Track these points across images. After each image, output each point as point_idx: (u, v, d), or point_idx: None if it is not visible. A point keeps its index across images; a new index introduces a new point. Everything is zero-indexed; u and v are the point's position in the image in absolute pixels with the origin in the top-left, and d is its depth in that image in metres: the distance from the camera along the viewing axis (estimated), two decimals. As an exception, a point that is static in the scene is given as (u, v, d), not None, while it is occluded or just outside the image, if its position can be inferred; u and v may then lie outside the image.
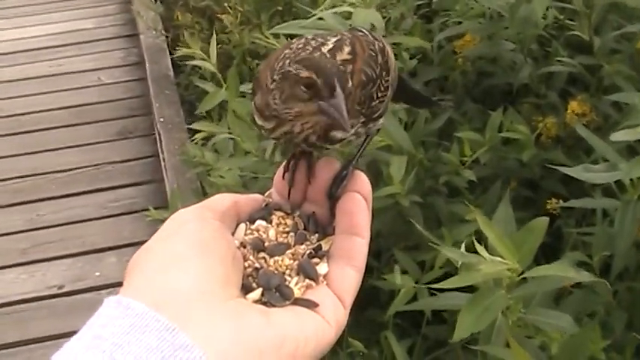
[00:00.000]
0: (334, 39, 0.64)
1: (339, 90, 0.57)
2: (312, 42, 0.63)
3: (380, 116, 0.66)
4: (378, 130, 0.69)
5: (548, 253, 1.60)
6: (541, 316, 1.00)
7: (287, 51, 0.62)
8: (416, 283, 1.43)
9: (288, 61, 0.60)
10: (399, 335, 1.61)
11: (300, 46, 0.62)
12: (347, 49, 0.63)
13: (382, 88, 0.65)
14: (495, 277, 0.90)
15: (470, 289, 1.00)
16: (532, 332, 1.05)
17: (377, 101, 0.64)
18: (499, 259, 0.86)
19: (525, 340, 1.02)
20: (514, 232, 0.97)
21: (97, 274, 2.68)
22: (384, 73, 0.66)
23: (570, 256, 1.30)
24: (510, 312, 0.96)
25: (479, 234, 0.96)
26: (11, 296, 2.61)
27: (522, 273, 0.91)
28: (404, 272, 1.49)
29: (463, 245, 0.92)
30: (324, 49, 0.61)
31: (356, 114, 0.62)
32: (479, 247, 0.87)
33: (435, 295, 1.20)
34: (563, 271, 0.90)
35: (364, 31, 0.71)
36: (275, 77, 0.60)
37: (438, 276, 1.40)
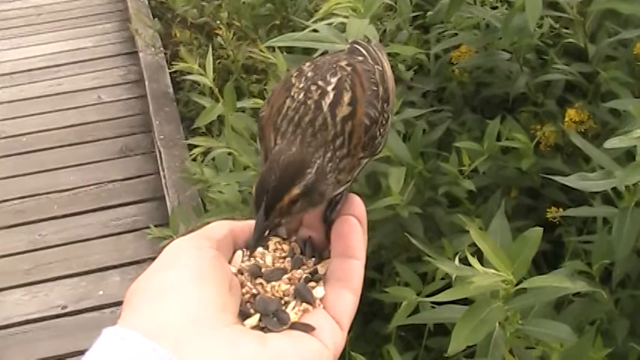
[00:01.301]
0: (334, 81, 0.62)
1: (259, 213, 0.57)
2: (313, 88, 0.62)
3: (381, 151, 0.66)
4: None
5: (550, 261, 1.60)
6: (539, 327, 1.00)
7: (288, 101, 0.61)
8: (418, 294, 1.42)
9: (291, 126, 0.60)
10: (403, 347, 1.60)
11: (301, 97, 0.61)
12: (347, 97, 0.61)
13: (384, 122, 0.65)
14: (489, 289, 0.90)
15: (468, 301, 1.00)
16: (532, 343, 1.04)
17: (379, 138, 0.64)
18: (493, 271, 0.86)
19: (524, 352, 1.01)
20: (510, 242, 0.97)
21: (101, 292, 2.68)
22: (385, 105, 0.65)
23: (570, 265, 1.30)
24: (508, 323, 0.96)
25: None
26: (15, 317, 2.61)
27: (518, 284, 0.91)
28: (405, 284, 1.49)
29: (457, 258, 0.91)
30: (325, 106, 0.60)
31: (359, 162, 0.62)
32: (472, 260, 0.86)
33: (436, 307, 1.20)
34: (559, 282, 0.90)
35: (362, 50, 0.69)
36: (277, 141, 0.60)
37: (440, 287, 1.40)
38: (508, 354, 0.87)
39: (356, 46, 0.71)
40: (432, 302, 1.21)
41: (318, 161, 0.58)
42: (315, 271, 0.59)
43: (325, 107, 0.61)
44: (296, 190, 0.57)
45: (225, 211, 1.66)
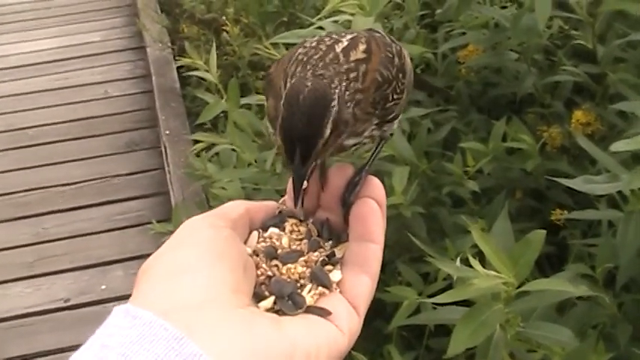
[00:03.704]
0: (350, 36, 0.63)
1: (296, 163, 0.56)
2: (327, 40, 0.62)
3: (394, 118, 0.65)
4: (391, 134, 0.67)
5: (554, 263, 1.58)
6: (541, 330, 0.98)
7: (300, 50, 0.61)
8: (420, 295, 1.41)
9: (300, 65, 0.59)
10: (404, 347, 1.59)
11: (313, 44, 0.61)
12: (362, 47, 0.62)
13: (398, 91, 0.64)
14: (490, 291, 0.89)
15: (470, 302, 0.99)
16: (534, 346, 1.03)
17: (392, 103, 0.63)
18: (494, 273, 0.85)
19: (525, 355, 1.00)
20: (512, 245, 0.95)
21: (103, 287, 2.68)
22: (400, 75, 0.65)
23: (573, 268, 1.29)
24: (509, 326, 0.95)
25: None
26: (17, 309, 2.61)
27: (520, 286, 0.90)
28: (407, 284, 1.48)
29: (458, 259, 0.90)
30: (338, 48, 0.60)
31: (368, 117, 0.61)
32: (473, 261, 0.85)
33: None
34: (560, 286, 0.89)
35: (381, 32, 0.70)
36: (288, 83, 0.59)
37: (441, 288, 1.39)
38: (507, 357, 0.86)
39: (374, 29, 0.72)
40: (434, 303, 1.21)
41: (337, 90, 0.57)
42: (333, 254, 0.58)
43: (338, 49, 0.60)
44: (327, 131, 0.56)
45: (227, 207, 1.64)
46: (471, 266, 0.89)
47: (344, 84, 0.58)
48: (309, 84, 0.56)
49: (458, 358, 1.36)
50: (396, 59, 0.65)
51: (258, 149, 1.57)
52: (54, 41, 4.38)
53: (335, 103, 0.57)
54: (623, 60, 1.73)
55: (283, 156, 0.58)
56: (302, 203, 0.61)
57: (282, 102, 0.57)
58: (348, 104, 0.58)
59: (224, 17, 2.66)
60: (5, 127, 3.64)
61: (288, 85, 0.58)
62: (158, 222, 2.09)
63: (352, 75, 0.59)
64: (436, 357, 1.59)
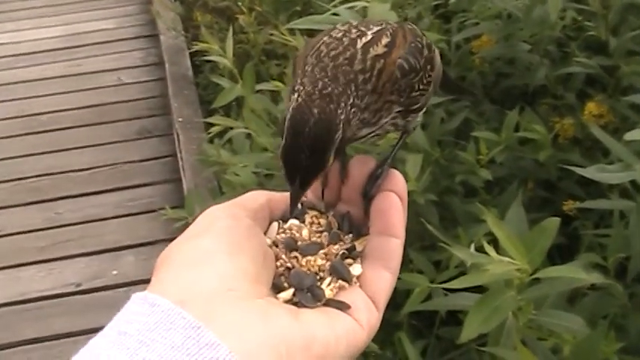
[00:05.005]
0: (376, 28, 0.62)
1: (295, 187, 0.56)
2: (353, 31, 0.61)
3: (419, 109, 0.65)
4: (414, 127, 0.67)
5: (565, 254, 1.59)
6: (552, 318, 0.99)
7: (325, 39, 0.61)
8: (431, 282, 1.42)
9: (316, 59, 0.59)
10: (414, 336, 1.60)
11: (339, 35, 0.61)
12: (385, 40, 0.61)
13: (424, 82, 0.64)
14: (504, 277, 0.89)
15: (482, 289, 1.00)
16: (545, 334, 1.04)
17: (417, 93, 0.63)
18: (508, 259, 0.85)
19: (536, 342, 1.01)
20: (526, 232, 0.96)
21: (114, 272, 2.69)
22: (428, 67, 0.64)
23: (585, 258, 1.29)
24: (521, 313, 0.96)
25: (493, 234, 0.96)
26: (29, 293, 2.64)
27: (533, 274, 0.90)
28: (419, 272, 1.49)
29: (472, 245, 0.91)
30: (359, 43, 0.60)
31: (387, 105, 0.60)
32: (487, 247, 0.86)
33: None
34: (573, 273, 0.89)
35: (413, 25, 0.69)
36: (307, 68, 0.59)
37: (453, 276, 1.39)
38: (520, 343, 0.87)
39: (407, 22, 0.71)
40: (445, 289, 1.21)
41: (342, 116, 0.56)
42: (353, 248, 0.57)
43: (359, 45, 0.60)
44: (330, 160, 0.56)
45: (241, 194, 1.66)
46: (484, 253, 0.90)
47: (351, 99, 0.57)
48: (315, 112, 0.55)
49: (468, 345, 1.37)
50: (426, 51, 0.64)
51: (272, 135, 1.57)
52: (67, 28, 4.39)
53: (339, 132, 0.56)
54: (636, 52, 1.73)
55: (283, 174, 0.57)
56: (322, 196, 0.62)
57: (286, 124, 0.56)
58: (353, 121, 0.57)
59: (240, 4, 2.66)
60: (18, 113, 3.66)
61: (294, 103, 0.56)
62: (170, 208, 2.10)
63: (362, 78, 0.58)
64: (446, 346, 1.60)
